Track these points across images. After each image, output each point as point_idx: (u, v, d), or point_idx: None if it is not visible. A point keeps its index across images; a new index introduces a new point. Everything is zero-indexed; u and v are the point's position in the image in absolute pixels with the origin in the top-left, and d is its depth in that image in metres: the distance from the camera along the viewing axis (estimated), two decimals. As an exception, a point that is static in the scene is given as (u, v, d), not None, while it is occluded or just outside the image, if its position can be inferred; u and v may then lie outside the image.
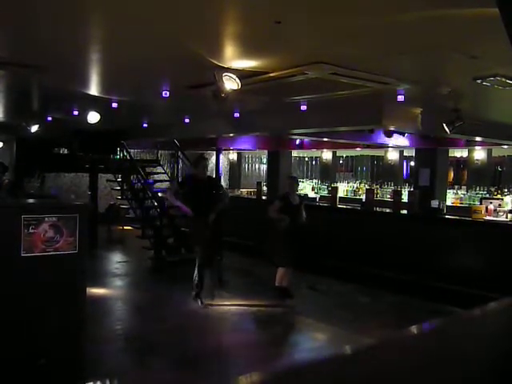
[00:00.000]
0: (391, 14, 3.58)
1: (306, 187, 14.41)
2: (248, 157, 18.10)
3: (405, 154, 14.48)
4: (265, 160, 16.88)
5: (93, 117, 9.42)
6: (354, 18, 3.72)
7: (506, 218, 8.81)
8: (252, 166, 18.41)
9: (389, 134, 9.27)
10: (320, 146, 13.52)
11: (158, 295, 7.76)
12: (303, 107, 7.82)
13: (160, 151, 13.71)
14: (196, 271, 6.84)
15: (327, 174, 15.61)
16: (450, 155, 11.70)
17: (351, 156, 17.17)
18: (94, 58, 5.46)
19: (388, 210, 9.79)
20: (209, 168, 16.39)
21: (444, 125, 7.07)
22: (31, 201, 5.14)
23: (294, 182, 7.53)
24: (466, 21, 3.59)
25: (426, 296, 7.36)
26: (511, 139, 9.90)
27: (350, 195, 13.61)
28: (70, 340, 4.11)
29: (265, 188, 12.76)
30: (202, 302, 6.85)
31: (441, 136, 8.90)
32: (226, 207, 7.22)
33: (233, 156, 17.46)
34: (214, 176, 7.93)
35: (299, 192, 8.58)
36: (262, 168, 18.19)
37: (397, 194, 9.82)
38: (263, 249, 7.61)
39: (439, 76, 5.86)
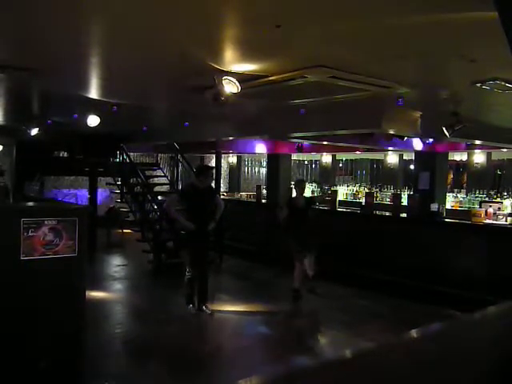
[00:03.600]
0: (391, 18, 3.59)
1: (306, 190, 14.40)
2: (248, 160, 18.11)
3: (404, 157, 14.50)
4: (264, 163, 16.89)
5: (93, 120, 9.42)
6: (354, 22, 3.72)
7: (506, 221, 8.81)
8: (252, 169, 18.41)
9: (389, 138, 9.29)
10: (320, 149, 13.53)
11: (157, 298, 7.75)
12: (303, 110, 7.82)
13: (160, 154, 13.71)
14: (187, 282, 6.78)
15: (327, 177, 15.62)
16: (449, 158, 11.70)
17: (351, 159, 17.19)
18: (93, 61, 5.46)
19: (388, 214, 9.79)
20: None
21: (444, 128, 7.08)
22: (31, 204, 5.15)
23: (301, 186, 7.98)
24: (465, 24, 3.59)
25: (425, 299, 7.35)
26: (511, 142, 9.91)
27: (349, 198, 13.62)
28: (70, 343, 4.10)
29: (264, 191, 12.76)
30: (194, 307, 6.78)
31: (441, 139, 8.92)
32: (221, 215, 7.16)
33: (232, 159, 17.47)
34: (213, 185, 7.75)
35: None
36: (261, 171, 18.20)
37: (396, 198, 9.83)
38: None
39: (439, 80, 5.87)
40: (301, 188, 7.95)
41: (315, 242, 7.73)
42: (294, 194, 8.02)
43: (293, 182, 8.08)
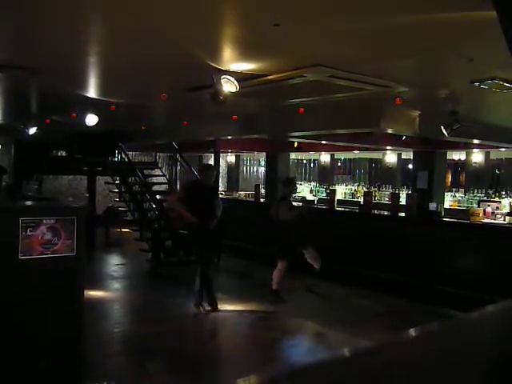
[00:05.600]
0: (389, 17, 3.59)
1: (305, 190, 14.43)
2: (246, 159, 18.10)
3: (403, 156, 14.51)
4: (263, 163, 16.89)
5: (91, 119, 9.41)
6: (353, 21, 3.72)
7: (504, 220, 8.83)
8: (250, 168, 18.41)
9: None
10: (318, 148, 13.53)
11: (156, 298, 7.74)
12: (302, 110, 7.82)
13: (158, 153, 13.71)
14: (199, 279, 6.81)
15: (325, 176, 15.63)
16: (447, 158, 11.72)
17: (349, 158, 17.19)
18: (92, 60, 5.45)
19: (386, 213, 9.79)
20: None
21: (442, 127, 7.08)
22: (29, 203, 5.13)
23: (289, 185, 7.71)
24: (463, 24, 3.60)
25: (424, 298, 7.36)
26: (509, 142, 9.92)
27: (348, 198, 13.63)
28: (68, 343, 4.10)
29: (263, 191, 12.77)
30: (203, 309, 6.83)
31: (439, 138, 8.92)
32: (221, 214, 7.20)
33: (231, 158, 17.46)
34: (214, 184, 7.92)
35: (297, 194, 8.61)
36: (260, 170, 18.19)
37: (395, 197, 9.83)
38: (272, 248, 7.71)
39: (437, 79, 5.87)
40: (289, 188, 7.61)
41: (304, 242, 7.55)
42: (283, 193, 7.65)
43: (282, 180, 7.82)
